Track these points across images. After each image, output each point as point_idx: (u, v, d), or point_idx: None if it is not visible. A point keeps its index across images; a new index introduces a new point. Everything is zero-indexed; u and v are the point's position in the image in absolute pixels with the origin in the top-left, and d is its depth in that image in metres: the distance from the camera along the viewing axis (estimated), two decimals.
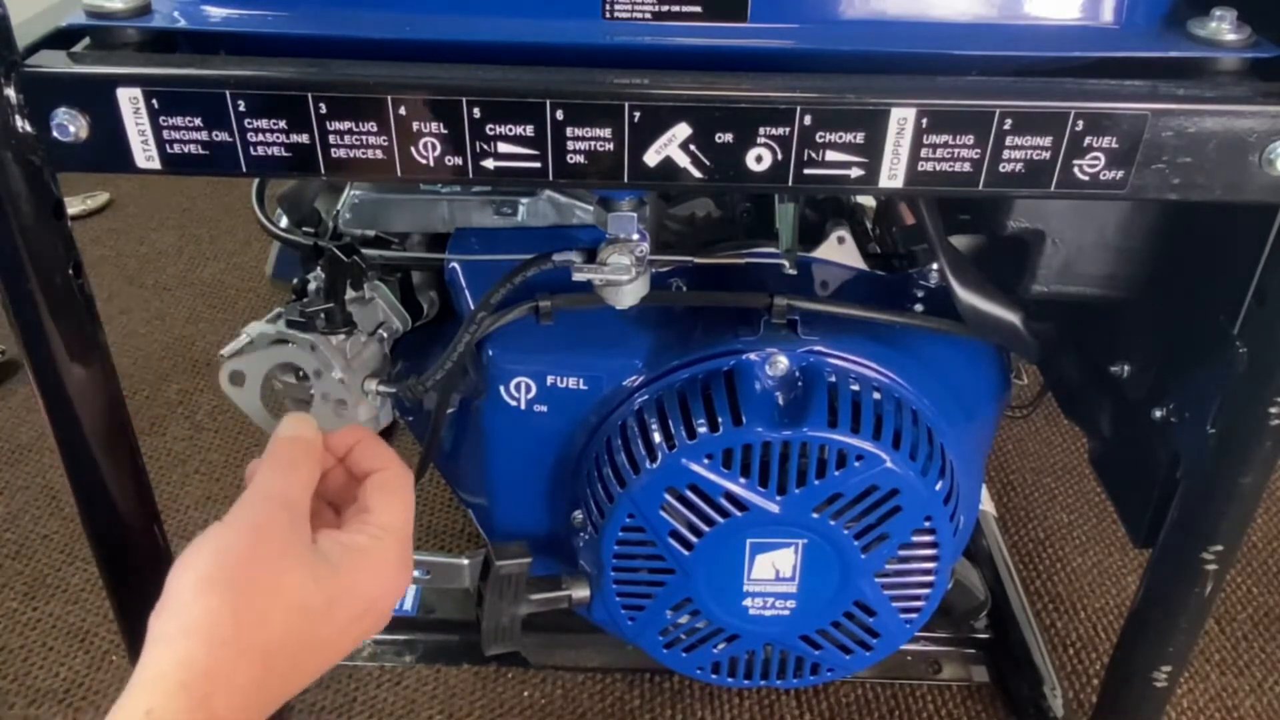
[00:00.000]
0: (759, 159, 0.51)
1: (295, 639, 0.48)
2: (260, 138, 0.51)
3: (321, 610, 0.49)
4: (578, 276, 0.66)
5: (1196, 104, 0.50)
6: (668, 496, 0.70)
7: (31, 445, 1.25)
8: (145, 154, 0.51)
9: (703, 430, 0.69)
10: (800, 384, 0.71)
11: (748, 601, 0.75)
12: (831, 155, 0.51)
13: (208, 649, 0.45)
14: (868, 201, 0.87)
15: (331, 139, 0.51)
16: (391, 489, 0.56)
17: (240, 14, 0.55)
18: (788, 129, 0.50)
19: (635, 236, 0.65)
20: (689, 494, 0.70)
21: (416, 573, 0.81)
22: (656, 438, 0.70)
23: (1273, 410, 0.59)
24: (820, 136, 0.51)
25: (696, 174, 0.52)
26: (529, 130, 0.50)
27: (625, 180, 0.52)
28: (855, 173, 0.52)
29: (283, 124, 0.50)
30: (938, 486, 0.70)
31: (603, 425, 0.74)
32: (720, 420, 0.69)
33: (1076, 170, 0.51)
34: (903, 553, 0.72)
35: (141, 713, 0.42)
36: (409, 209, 0.75)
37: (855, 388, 0.70)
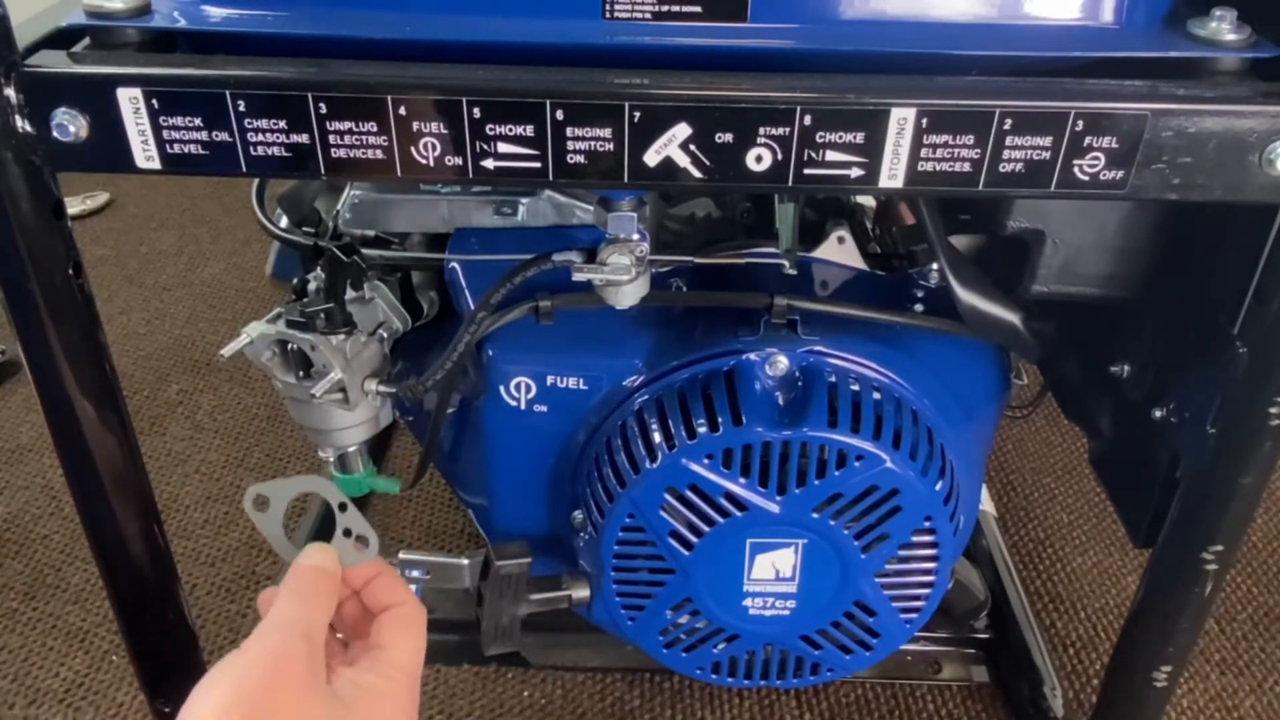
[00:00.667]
0: (759, 159, 0.51)
1: None
2: (260, 138, 0.51)
3: None
4: (578, 276, 0.66)
5: (1196, 104, 0.50)
6: (668, 497, 0.70)
7: (31, 445, 1.25)
8: (145, 154, 0.51)
9: (703, 430, 0.69)
10: (800, 384, 0.71)
11: (748, 601, 0.75)
12: (831, 155, 0.51)
13: None
14: (868, 201, 0.87)
15: (331, 139, 0.51)
16: (407, 625, 0.56)
17: (240, 14, 0.55)
18: (788, 129, 0.50)
19: (635, 236, 0.65)
20: (689, 494, 0.70)
21: (416, 573, 0.81)
22: (656, 438, 0.70)
23: (1273, 410, 0.59)
24: (820, 136, 0.51)
25: (696, 174, 0.52)
26: (529, 130, 0.50)
27: (625, 180, 0.52)
28: (855, 173, 0.52)
29: (283, 124, 0.50)
30: (938, 486, 0.70)
31: (603, 425, 0.74)
32: (720, 420, 0.69)
33: (1076, 170, 0.51)
34: (903, 553, 0.72)
35: None
36: (409, 209, 0.75)
37: (855, 388, 0.70)
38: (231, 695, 0.47)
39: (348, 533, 0.57)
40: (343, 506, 0.57)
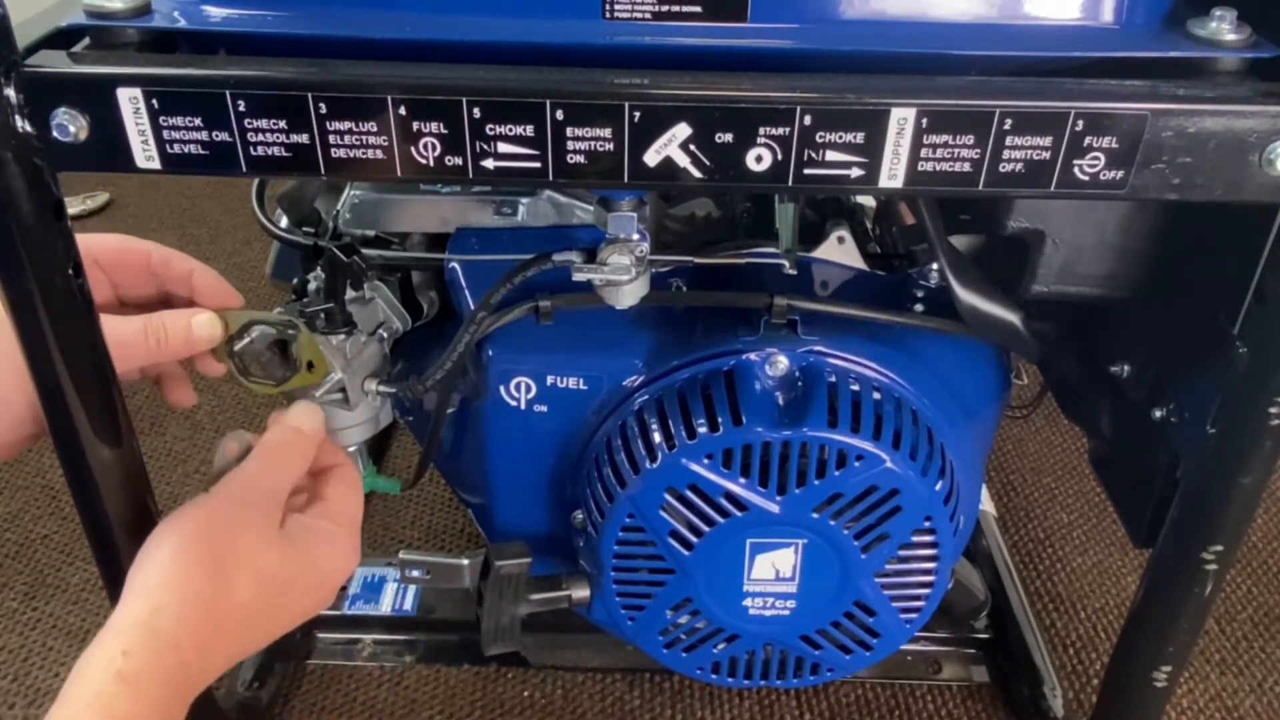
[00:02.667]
0: (759, 159, 0.51)
1: (258, 606, 0.54)
2: (260, 138, 0.51)
3: (283, 584, 0.55)
4: (578, 276, 0.66)
5: (1196, 104, 0.50)
6: (668, 496, 0.70)
7: (29, 447, 1.25)
8: (145, 154, 0.51)
9: (703, 430, 0.69)
10: (800, 384, 0.71)
11: (748, 601, 0.75)
12: (831, 155, 0.51)
13: (181, 600, 0.51)
14: (868, 201, 0.87)
15: (331, 139, 0.51)
16: (347, 483, 0.63)
17: (240, 14, 0.55)
18: (788, 129, 0.50)
19: (635, 236, 0.65)
20: (689, 494, 0.70)
21: (416, 573, 0.81)
22: (656, 438, 0.70)
23: (1273, 410, 0.59)
24: (820, 136, 0.51)
25: (696, 174, 0.52)
26: (529, 130, 0.50)
27: (625, 180, 0.52)
28: (855, 173, 0.52)
29: (283, 124, 0.50)
30: (938, 486, 0.70)
31: (603, 425, 0.74)
32: (720, 420, 0.69)
33: (1076, 170, 0.51)
34: (903, 553, 0.72)
35: (119, 653, 0.48)
36: (409, 209, 0.75)
37: (855, 388, 0.70)
38: (195, 531, 0.53)
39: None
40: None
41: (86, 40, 0.53)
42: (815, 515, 0.70)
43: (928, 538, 0.72)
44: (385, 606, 1.01)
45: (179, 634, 0.50)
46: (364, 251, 0.74)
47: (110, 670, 0.48)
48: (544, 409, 0.75)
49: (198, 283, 0.65)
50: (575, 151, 0.51)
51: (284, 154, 0.51)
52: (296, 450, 0.61)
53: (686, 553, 0.72)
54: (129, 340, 0.59)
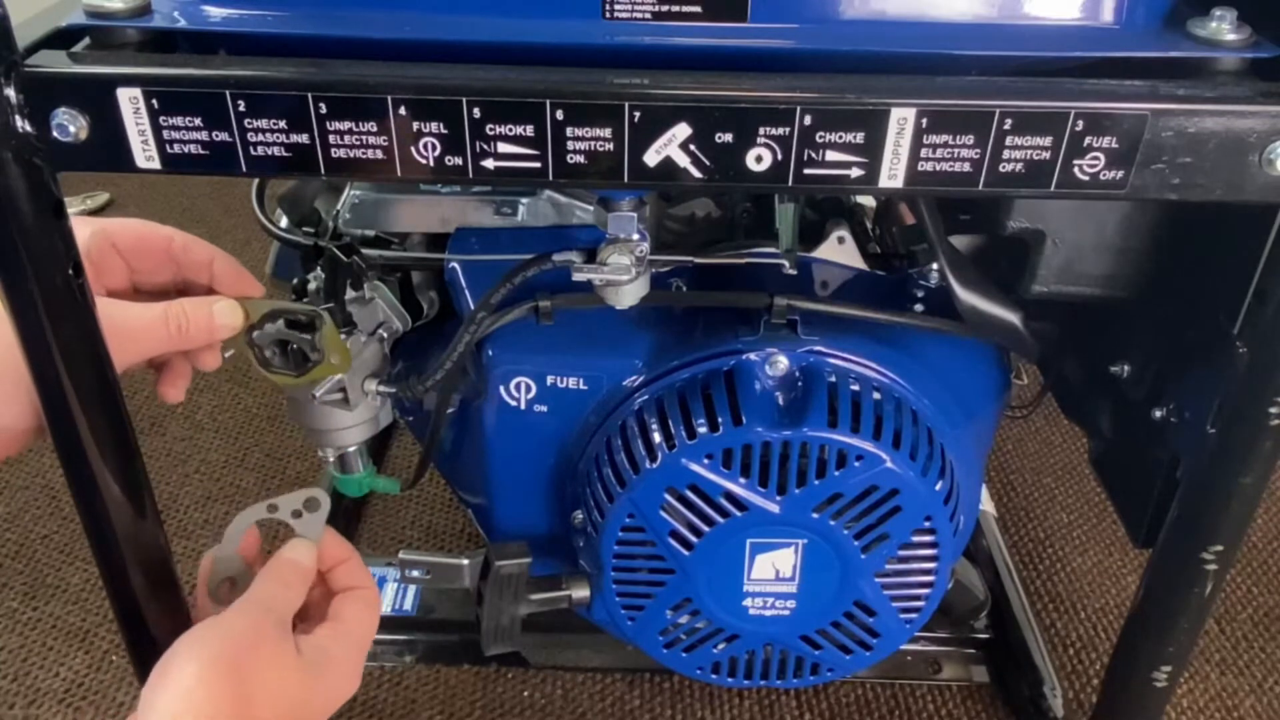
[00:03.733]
0: (759, 159, 0.51)
1: None
2: (260, 138, 0.51)
3: (299, 704, 0.56)
4: (578, 276, 0.66)
5: (1196, 104, 0.50)
6: (668, 496, 0.70)
7: (31, 445, 1.25)
8: (145, 154, 0.51)
9: (703, 430, 0.69)
10: (800, 384, 0.71)
11: (748, 601, 0.75)
12: (831, 155, 0.51)
13: None
14: (868, 201, 0.87)
15: (331, 139, 0.51)
16: (367, 606, 0.63)
17: (240, 14, 0.55)
18: (788, 129, 0.50)
19: (635, 236, 0.65)
20: (689, 494, 0.70)
21: (416, 573, 0.81)
22: (656, 438, 0.70)
23: (1273, 410, 0.59)
24: (820, 136, 0.50)
25: (696, 174, 0.52)
26: (529, 130, 0.50)
27: (625, 180, 0.52)
28: (855, 173, 0.52)
29: (283, 124, 0.50)
30: (938, 486, 0.70)
31: (603, 425, 0.74)
32: (720, 420, 0.69)
33: (1076, 170, 0.51)
34: (903, 553, 0.72)
35: None
36: (409, 209, 0.75)
37: (855, 388, 0.70)
38: (219, 652, 0.53)
39: (297, 514, 0.64)
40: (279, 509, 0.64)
41: (86, 40, 0.53)
42: (815, 515, 0.70)
43: (928, 538, 0.72)
44: (385, 606, 1.01)
45: None
46: (364, 251, 0.74)
47: None
48: (544, 409, 0.75)
49: (218, 270, 0.65)
50: (575, 151, 0.51)
51: (284, 154, 0.51)
52: (298, 580, 0.61)
53: (686, 553, 0.72)
54: (149, 326, 0.59)
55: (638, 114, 0.50)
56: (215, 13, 0.55)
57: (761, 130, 0.50)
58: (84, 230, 0.59)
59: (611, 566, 0.74)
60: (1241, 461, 0.62)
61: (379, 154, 0.51)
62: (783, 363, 0.71)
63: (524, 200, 0.74)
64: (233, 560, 0.64)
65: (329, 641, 0.59)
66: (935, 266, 0.73)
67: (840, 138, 0.51)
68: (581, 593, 0.77)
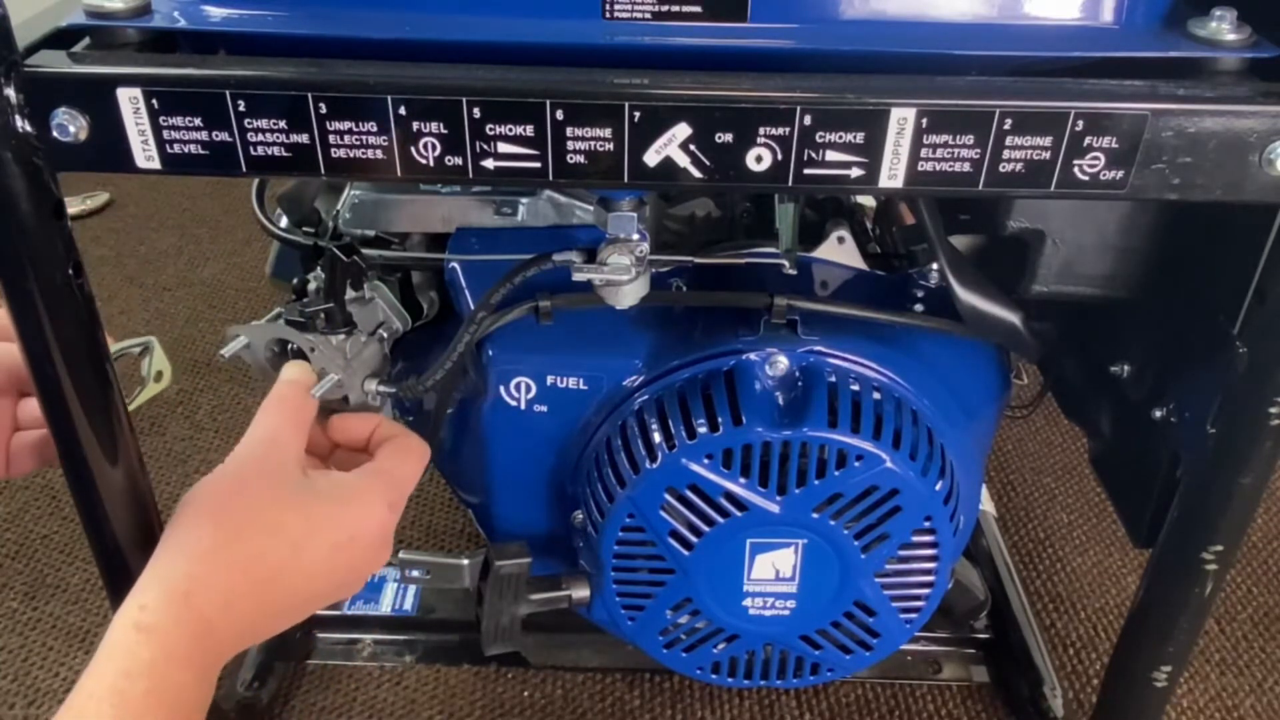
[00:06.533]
0: (759, 159, 0.51)
1: (275, 558, 0.53)
2: (260, 138, 0.51)
3: (299, 531, 0.53)
4: (578, 276, 0.66)
5: (1196, 104, 0.50)
6: (668, 496, 0.70)
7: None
8: (145, 154, 0.51)
9: (703, 430, 0.69)
10: (800, 384, 0.71)
11: (748, 601, 0.75)
12: (831, 155, 0.51)
13: (188, 559, 0.51)
14: (868, 201, 0.87)
15: (331, 139, 0.51)
16: (402, 450, 0.61)
17: (240, 14, 0.55)
18: (788, 129, 0.50)
19: (635, 236, 0.65)
20: (689, 494, 0.70)
21: (416, 573, 0.81)
22: (656, 438, 0.70)
23: (1273, 410, 0.59)
24: (820, 136, 0.51)
25: (696, 174, 0.52)
26: (529, 130, 0.50)
27: (625, 180, 0.52)
28: (855, 173, 0.52)
29: (283, 124, 0.50)
30: (938, 486, 0.70)
31: (603, 425, 0.74)
32: (720, 420, 0.69)
33: (1076, 170, 0.51)
34: (903, 553, 0.72)
35: (136, 607, 0.48)
36: (409, 209, 0.75)
37: (855, 388, 0.70)
38: (202, 501, 0.53)
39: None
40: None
41: (86, 40, 0.53)
42: (815, 515, 0.70)
43: (928, 538, 0.72)
44: (385, 606, 1.01)
45: (190, 588, 0.50)
46: (364, 251, 0.74)
47: (129, 623, 0.48)
48: (544, 409, 0.75)
49: None
50: (575, 151, 0.51)
51: (284, 154, 0.51)
52: (289, 400, 0.60)
53: (686, 553, 0.72)
54: None
55: (638, 114, 0.50)
56: (215, 13, 0.55)
57: (761, 130, 0.50)
58: None
59: (611, 566, 0.74)
60: (1241, 461, 0.62)
61: (379, 154, 0.51)
62: (783, 363, 0.71)
63: (524, 200, 0.74)
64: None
65: (348, 475, 0.57)
66: (935, 266, 0.73)
67: (840, 138, 0.51)
68: (581, 593, 0.77)
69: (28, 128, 0.49)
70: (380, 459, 0.60)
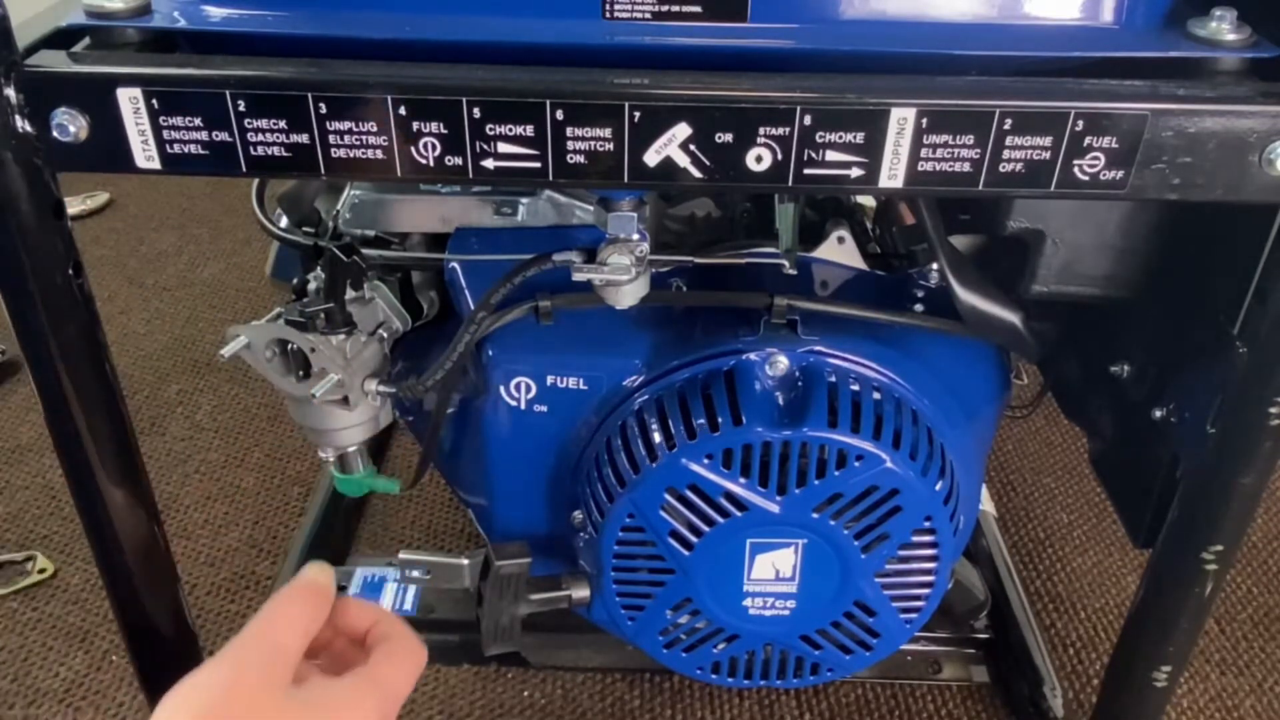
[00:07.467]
0: (759, 159, 0.51)
1: None
2: (260, 138, 0.51)
3: None
4: (578, 276, 0.66)
5: (1196, 104, 0.50)
6: (668, 496, 0.70)
7: (31, 445, 1.25)
8: (145, 154, 0.51)
9: (703, 430, 0.69)
10: (800, 384, 0.71)
11: (748, 601, 0.75)
12: (831, 155, 0.51)
13: None
14: (868, 201, 0.87)
15: (331, 139, 0.51)
16: (399, 654, 0.58)
17: (240, 14, 0.55)
18: (788, 129, 0.50)
19: (635, 236, 0.65)
20: (689, 494, 0.70)
21: (416, 572, 0.81)
22: (656, 438, 0.70)
23: (1273, 410, 0.59)
24: (820, 136, 0.51)
25: (696, 174, 0.52)
26: (529, 130, 0.50)
27: (625, 180, 0.52)
28: (855, 173, 0.52)
29: (283, 124, 0.50)
30: (938, 486, 0.70)
31: (603, 425, 0.74)
32: (720, 420, 0.69)
33: (1076, 170, 0.51)
34: (903, 553, 0.72)
35: None
36: (409, 209, 0.75)
37: (855, 388, 0.70)
38: (191, 703, 0.50)
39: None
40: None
41: (86, 40, 0.53)
42: (815, 515, 0.70)
43: (928, 538, 0.72)
44: (385, 606, 1.01)
45: None
46: (364, 251, 0.74)
47: None
48: (544, 409, 0.75)
49: None
50: (575, 151, 0.51)
51: (284, 154, 0.51)
52: (304, 599, 0.57)
53: (686, 553, 0.72)
54: None
55: (638, 114, 0.50)
56: (215, 13, 0.55)
57: (761, 130, 0.50)
58: None
59: (611, 566, 0.74)
60: (1241, 461, 0.62)
61: (379, 154, 0.51)
62: (783, 363, 0.71)
63: (524, 200, 0.74)
64: None
65: (339, 681, 0.54)
66: (935, 266, 0.73)
67: (840, 138, 0.51)
68: (581, 593, 0.77)
69: (28, 128, 0.49)
70: (375, 663, 0.57)
